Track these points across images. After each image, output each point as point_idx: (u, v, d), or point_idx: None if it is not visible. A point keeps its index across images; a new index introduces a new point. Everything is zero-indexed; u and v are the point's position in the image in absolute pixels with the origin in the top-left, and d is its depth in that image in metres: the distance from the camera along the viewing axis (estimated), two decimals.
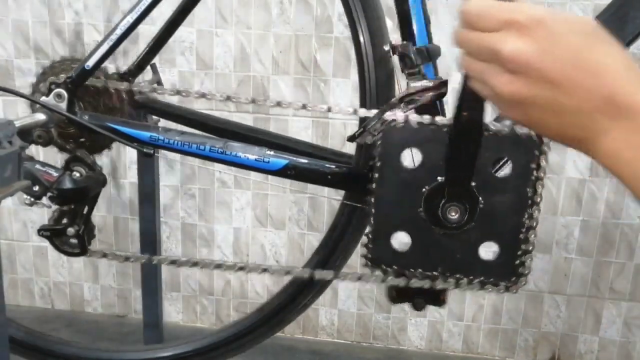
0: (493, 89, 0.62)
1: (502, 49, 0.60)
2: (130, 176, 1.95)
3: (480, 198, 0.99)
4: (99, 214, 2.01)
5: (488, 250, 1.03)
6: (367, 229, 1.05)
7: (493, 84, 0.62)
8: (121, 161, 1.95)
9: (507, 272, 1.03)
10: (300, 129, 1.85)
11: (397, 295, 1.11)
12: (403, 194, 1.02)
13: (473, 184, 0.99)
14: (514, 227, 1.00)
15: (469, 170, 0.98)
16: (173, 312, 2.08)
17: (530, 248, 1.01)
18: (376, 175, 1.02)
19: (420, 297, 1.10)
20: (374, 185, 1.03)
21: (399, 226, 1.03)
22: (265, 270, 1.20)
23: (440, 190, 1.00)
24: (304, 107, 1.18)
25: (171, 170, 1.94)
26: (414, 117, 1.01)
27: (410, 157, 1.02)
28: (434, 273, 1.05)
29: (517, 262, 1.01)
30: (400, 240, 1.04)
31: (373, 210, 1.04)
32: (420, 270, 1.05)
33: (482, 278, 1.04)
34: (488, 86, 0.63)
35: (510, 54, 0.59)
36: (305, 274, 1.21)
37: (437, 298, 1.10)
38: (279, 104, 1.19)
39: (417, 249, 1.04)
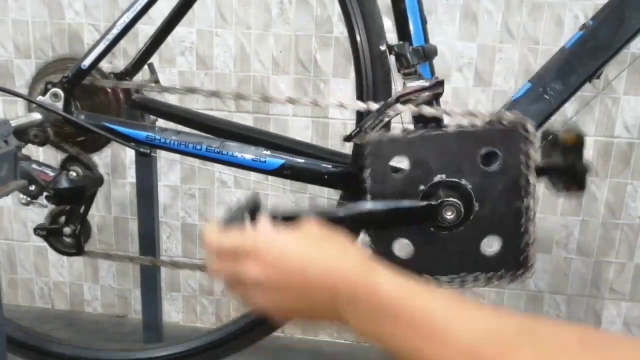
0: (254, 304, 0.73)
1: (239, 274, 0.72)
2: (130, 176, 1.95)
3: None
4: (99, 214, 2.01)
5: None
6: (368, 241, 1.04)
7: (252, 300, 0.73)
8: (120, 161, 1.95)
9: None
10: (300, 129, 1.85)
11: None
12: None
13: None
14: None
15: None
16: (173, 312, 2.08)
17: (532, 237, 1.01)
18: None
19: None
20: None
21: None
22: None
23: (434, 191, 1.00)
24: (291, 100, 1.18)
25: (171, 170, 1.94)
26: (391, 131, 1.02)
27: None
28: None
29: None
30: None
31: None
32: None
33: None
34: (250, 302, 0.74)
35: (249, 279, 0.71)
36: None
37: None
38: (267, 99, 1.19)
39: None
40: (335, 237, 0.73)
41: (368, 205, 1.02)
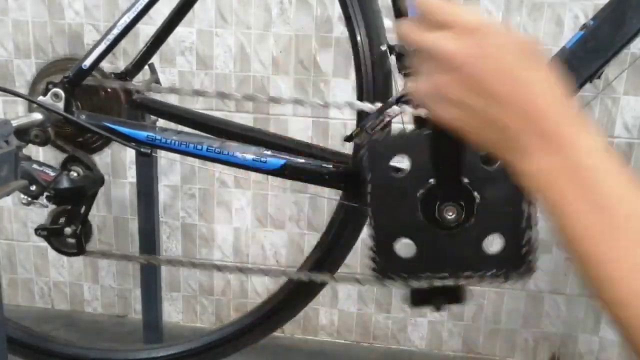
0: (433, 88, 0.63)
1: (441, 47, 0.61)
2: (131, 176, 1.95)
3: (475, 194, 0.99)
4: (99, 214, 2.01)
5: (493, 244, 1.02)
6: (370, 242, 1.04)
7: (433, 82, 0.63)
8: (121, 161, 1.95)
9: (516, 262, 1.01)
10: (300, 129, 1.85)
11: (418, 299, 1.10)
12: (398, 201, 1.02)
13: (466, 180, 0.99)
14: (515, 216, 0.99)
15: (456, 169, 0.97)
16: (173, 312, 2.08)
17: (535, 236, 1.00)
18: (369, 188, 1.01)
19: (440, 297, 1.09)
20: (368, 198, 1.02)
21: (400, 233, 1.03)
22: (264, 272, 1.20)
23: (434, 192, 1.00)
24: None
25: (171, 170, 1.94)
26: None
27: (399, 165, 1.02)
28: (444, 275, 1.04)
29: (524, 250, 1.01)
30: (404, 246, 1.04)
31: (372, 222, 1.03)
32: (429, 274, 1.04)
33: (492, 271, 1.03)
34: (429, 84, 0.64)
35: (447, 52, 0.61)
36: (303, 276, 1.22)
37: (457, 296, 1.09)
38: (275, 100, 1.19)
39: (422, 253, 1.03)
40: (557, 82, 0.62)
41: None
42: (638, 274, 0.54)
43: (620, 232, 0.55)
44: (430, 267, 1.03)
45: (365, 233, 1.11)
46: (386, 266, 1.04)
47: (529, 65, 0.61)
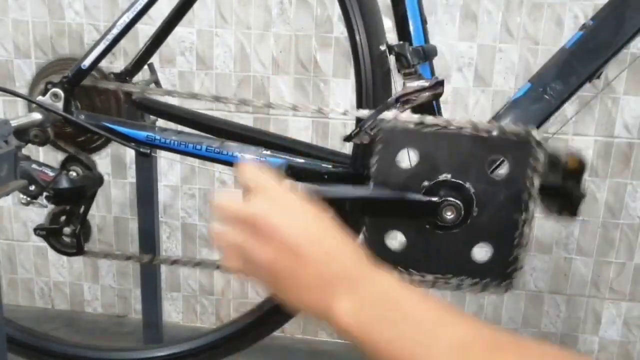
0: (242, 253, 0.68)
1: (248, 212, 0.68)
2: (130, 176, 1.95)
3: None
4: (99, 214, 2.01)
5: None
6: (363, 227, 1.04)
7: (242, 247, 0.68)
8: (121, 161, 1.95)
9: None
10: (300, 129, 1.85)
11: None
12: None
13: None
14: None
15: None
16: (173, 312, 2.08)
17: (523, 252, 1.01)
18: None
19: None
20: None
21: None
22: None
23: (437, 189, 1.00)
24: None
25: (171, 170, 1.94)
26: (407, 117, 1.01)
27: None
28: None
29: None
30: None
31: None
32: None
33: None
34: (238, 251, 0.69)
35: (255, 217, 0.67)
36: None
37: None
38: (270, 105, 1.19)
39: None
40: (342, 230, 0.70)
41: (372, 190, 1.02)
42: None
43: (423, 339, 0.59)
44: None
45: None
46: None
47: (324, 225, 0.68)
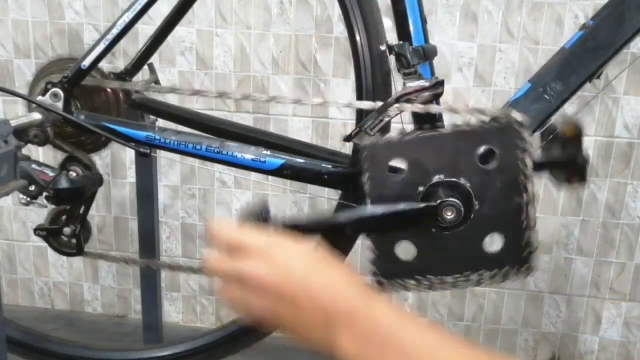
0: (245, 307, 0.72)
1: (244, 272, 0.70)
2: (130, 176, 1.95)
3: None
4: (99, 214, 2.01)
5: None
6: (370, 245, 1.04)
7: (243, 301, 0.72)
8: (121, 161, 1.95)
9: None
10: (300, 129, 1.85)
11: None
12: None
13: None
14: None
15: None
16: (173, 312, 2.08)
17: (534, 233, 1.00)
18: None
19: None
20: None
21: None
22: None
23: (433, 192, 1.00)
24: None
25: (171, 170, 1.94)
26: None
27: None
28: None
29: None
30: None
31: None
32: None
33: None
34: (240, 304, 0.73)
35: (251, 275, 0.70)
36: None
37: None
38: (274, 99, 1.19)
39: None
40: (339, 262, 0.73)
41: (368, 209, 1.02)
42: None
43: None
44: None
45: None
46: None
47: (318, 267, 0.71)
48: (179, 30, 1.43)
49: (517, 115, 0.97)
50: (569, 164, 1.07)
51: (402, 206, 1.00)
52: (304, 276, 0.69)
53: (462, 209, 0.99)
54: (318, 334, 0.68)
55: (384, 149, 1.00)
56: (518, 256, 1.01)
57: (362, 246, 1.06)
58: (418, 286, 1.04)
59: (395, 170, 1.01)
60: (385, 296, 0.69)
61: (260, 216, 0.87)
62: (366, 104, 1.11)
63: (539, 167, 1.04)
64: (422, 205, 1.00)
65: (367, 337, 0.65)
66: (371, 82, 1.13)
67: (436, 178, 1.00)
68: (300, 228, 0.98)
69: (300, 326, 0.69)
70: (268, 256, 0.71)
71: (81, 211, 1.26)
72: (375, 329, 0.65)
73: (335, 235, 1.05)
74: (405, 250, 1.03)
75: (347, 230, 1.04)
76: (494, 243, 1.02)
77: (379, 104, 1.08)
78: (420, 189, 1.00)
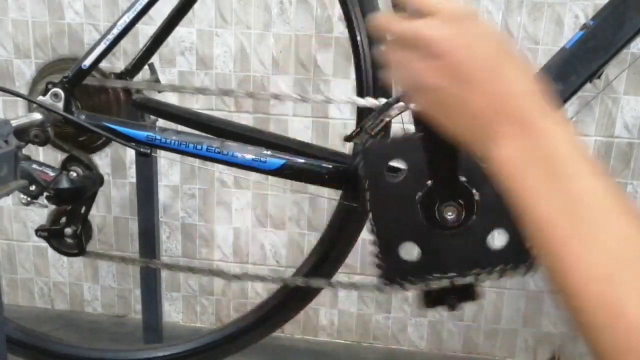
0: (410, 75, 0.64)
1: (425, 33, 0.62)
2: (130, 176, 1.95)
3: (473, 191, 0.99)
4: (99, 214, 2.01)
5: (498, 238, 1.01)
6: (374, 249, 1.04)
7: (411, 69, 0.63)
8: (121, 161, 1.95)
9: (522, 255, 1.00)
10: (300, 129, 1.85)
11: (431, 300, 1.09)
12: (398, 206, 1.01)
13: (463, 179, 0.98)
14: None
15: (453, 169, 0.97)
16: (173, 312, 2.08)
17: None
18: (367, 195, 1.01)
19: (453, 296, 1.08)
20: (368, 206, 1.02)
21: (403, 237, 1.03)
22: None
23: (432, 194, 0.99)
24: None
25: (171, 170, 1.94)
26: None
27: (395, 170, 1.01)
28: (452, 274, 1.03)
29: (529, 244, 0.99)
30: (409, 250, 1.03)
31: (374, 229, 1.03)
32: (437, 275, 1.03)
33: (499, 266, 1.02)
34: (406, 72, 0.64)
35: (432, 39, 0.61)
36: (298, 281, 1.22)
37: (470, 294, 1.08)
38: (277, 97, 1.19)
39: (427, 255, 1.03)
40: (525, 63, 0.63)
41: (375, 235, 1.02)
42: (599, 263, 0.53)
43: (584, 223, 0.54)
44: (437, 268, 1.03)
45: (366, 233, 1.11)
46: (393, 271, 1.03)
47: (505, 57, 0.62)
48: (179, 30, 1.43)
49: None
50: None
51: (403, 220, 1.00)
52: (495, 62, 0.61)
53: (462, 208, 0.99)
54: (479, 132, 0.61)
55: (381, 151, 1.00)
56: (523, 251, 1.00)
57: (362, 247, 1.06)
58: (427, 285, 1.04)
59: (395, 171, 1.01)
60: (567, 120, 0.59)
61: None
62: (369, 101, 1.11)
63: None
64: (422, 213, 0.99)
65: (536, 158, 0.57)
66: (372, 82, 1.14)
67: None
68: None
69: (462, 116, 0.62)
70: (457, 24, 0.62)
71: (82, 211, 1.26)
72: (548, 154, 0.57)
73: None
74: (409, 251, 1.03)
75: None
76: (499, 239, 1.01)
77: (382, 100, 1.08)
78: (420, 190, 1.00)
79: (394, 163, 1.01)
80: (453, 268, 1.03)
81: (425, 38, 0.62)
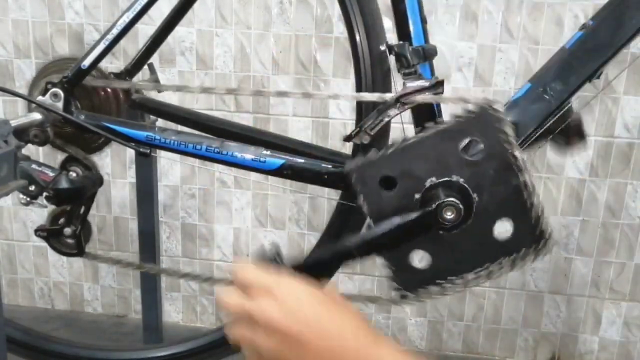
0: (253, 348, 0.72)
1: (253, 310, 0.71)
2: (130, 176, 1.95)
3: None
4: (99, 214, 2.01)
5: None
6: (385, 262, 1.03)
7: (253, 343, 0.72)
8: (121, 161, 1.95)
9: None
10: (300, 129, 1.85)
11: None
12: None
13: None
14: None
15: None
16: (173, 312, 2.09)
17: (540, 210, 0.99)
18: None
19: None
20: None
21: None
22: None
23: (430, 196, 0.99)
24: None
25: (171, 170, 1.94)
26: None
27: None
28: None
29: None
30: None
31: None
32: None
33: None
34: (250, 346, 0.73)
35: (260, 315, 0.71)
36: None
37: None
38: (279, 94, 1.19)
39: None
40: (349, 305, 0.74)
41: (369, 232, 1.02)
42: None
43: None
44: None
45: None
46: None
47: (331, 311, 0.71)
48: (179, 30, 1.43)
49: (486, 100, 0.97)
50: (564, 127, 1.06)
51: (400, 220, 1.00)
52: (313, 318, 0.70)
53: (460, 205, 0.98)
54: None
55: (370, 168, 1.00)
56: (532, 236, 0.99)
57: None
58: (443, 290, 1.04)
59: (389, 182, 1.01)
60: (391, 339, 0.69)
61: (273, 258, 0.89)
62: (369, 96, 1.11)
63: (536, 140, 1.04)
64: (418, 213, 0.99)
65: None
66: (371, 82, 1.14)
67: (429, 182, 0.99)
68: (310, 267, 1.00)
69: None
70: (278, 297, 0.71)
71: (81, 211, 1.26)
72: None
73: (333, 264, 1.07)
74: (419, 259, 1.03)
75: (357, 256, 1.04)
76: (505, 229, 1.01)
77: (382, 96, 1.08)
78: (417, 196, 0.99)
79: (386, 175, 1.00)
80: (467, 267, 1.02)
81: (256, 315, 0.71)
